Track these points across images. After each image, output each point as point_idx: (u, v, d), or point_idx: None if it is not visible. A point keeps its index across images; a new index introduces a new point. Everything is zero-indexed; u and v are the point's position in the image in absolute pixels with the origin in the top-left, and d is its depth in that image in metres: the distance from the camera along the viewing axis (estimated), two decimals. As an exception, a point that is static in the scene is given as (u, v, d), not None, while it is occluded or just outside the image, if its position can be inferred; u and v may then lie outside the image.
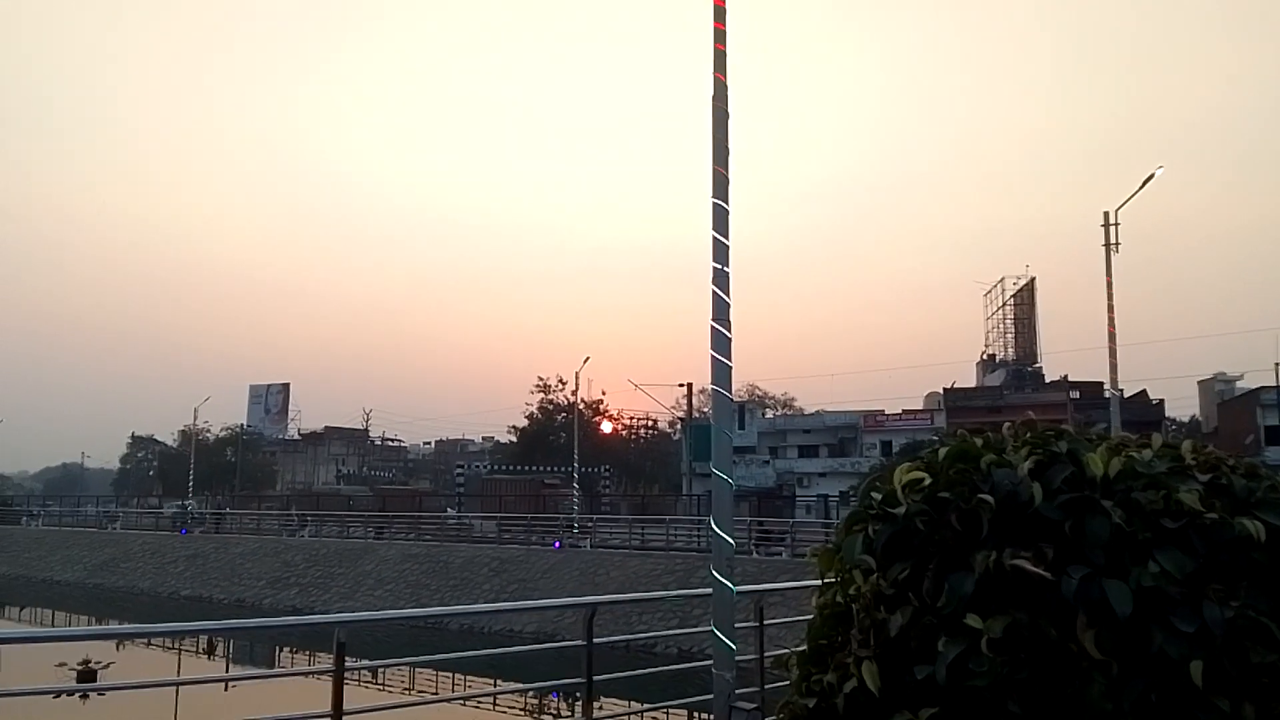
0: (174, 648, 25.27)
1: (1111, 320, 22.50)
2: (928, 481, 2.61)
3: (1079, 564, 2.32)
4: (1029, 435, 2.69)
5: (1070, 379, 61.01)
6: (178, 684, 16.11)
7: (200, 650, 25.75)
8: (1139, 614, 2.25)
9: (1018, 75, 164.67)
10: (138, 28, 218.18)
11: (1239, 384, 56.48)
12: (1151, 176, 22.55)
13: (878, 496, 2.73)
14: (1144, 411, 50.95)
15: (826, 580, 2.85)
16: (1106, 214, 23.27)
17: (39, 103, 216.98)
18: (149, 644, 25.16)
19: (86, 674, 16.28)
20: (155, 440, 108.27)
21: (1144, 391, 56.89)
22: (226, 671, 24.24)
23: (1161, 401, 57.47)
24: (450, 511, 48.72)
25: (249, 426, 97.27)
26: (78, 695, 15.14)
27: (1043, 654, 2.28)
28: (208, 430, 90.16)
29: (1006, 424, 2.81)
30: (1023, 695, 2.27)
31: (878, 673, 2.42)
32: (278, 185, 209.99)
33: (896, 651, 2.43)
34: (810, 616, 2.88)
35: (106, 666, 17.33)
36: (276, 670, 21.20)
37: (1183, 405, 67.08)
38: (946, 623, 2.36)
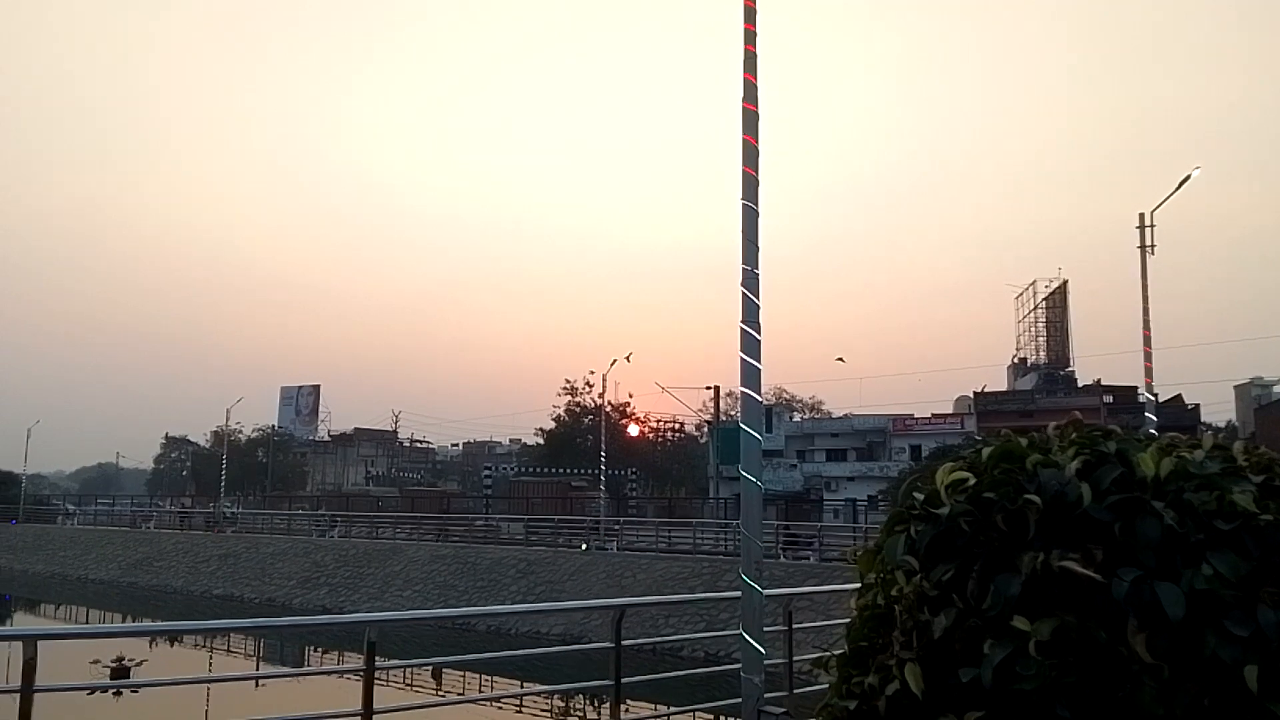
0: (205, 646, 25.55)
1: (1147, 323, 22.15)
2: (972, 482, 2.56)
3: (1129, 566, 2.27)
4: (1075, 435, 2.64)
5: (1103, 383, 60.20)
6: (210, 681, 16.31)
7: (231, 648, 26.02)
8: (1191, 617, 2.20)
9: (1049, 74, 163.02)
10: (177, 33, 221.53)
11: (1277, 389, 55.47)
12: (1188, 178, 22.18)
13: (920, 497, 2.68)
14: (1179, 416, 50.13)
15: (866, 582, 2.80)
16: (1142, 215, 22.92)
17: (75, 106, 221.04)
18: (181, 642, 25.48)
19: (120, 671, 16.50)
20: (188, 441, 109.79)
21: (1179, 396, 56.02)
22: (257, 669, 24.47)
23: (1197, 406, 56.60)
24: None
25: (280, 427, 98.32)
26: (111, 692, 15.34)
27: (1092, 657, 2.23)
28: (240, 431, 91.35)
29: (1052, 424, 2.76)
30: (1072, 699, 2.22)
31: (921, 675, 2.38)
32: (311, 190, 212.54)
33: (940, 654, 2.39)
34: (840, 621, 2.84)
35: (140, 664, 17.55)
36: (308, 669, 21.38)
37: (1218, 410, 66.09)
38: (992, 625, 2.32)
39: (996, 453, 2.63)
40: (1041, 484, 2.47)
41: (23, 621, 37.16)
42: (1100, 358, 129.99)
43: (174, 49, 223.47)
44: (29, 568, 48.93)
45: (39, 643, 4.84)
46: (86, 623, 35.48)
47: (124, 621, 35.94)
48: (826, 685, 2.86)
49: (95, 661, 16.62)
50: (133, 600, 40.46)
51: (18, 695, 4.72)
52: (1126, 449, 2.52)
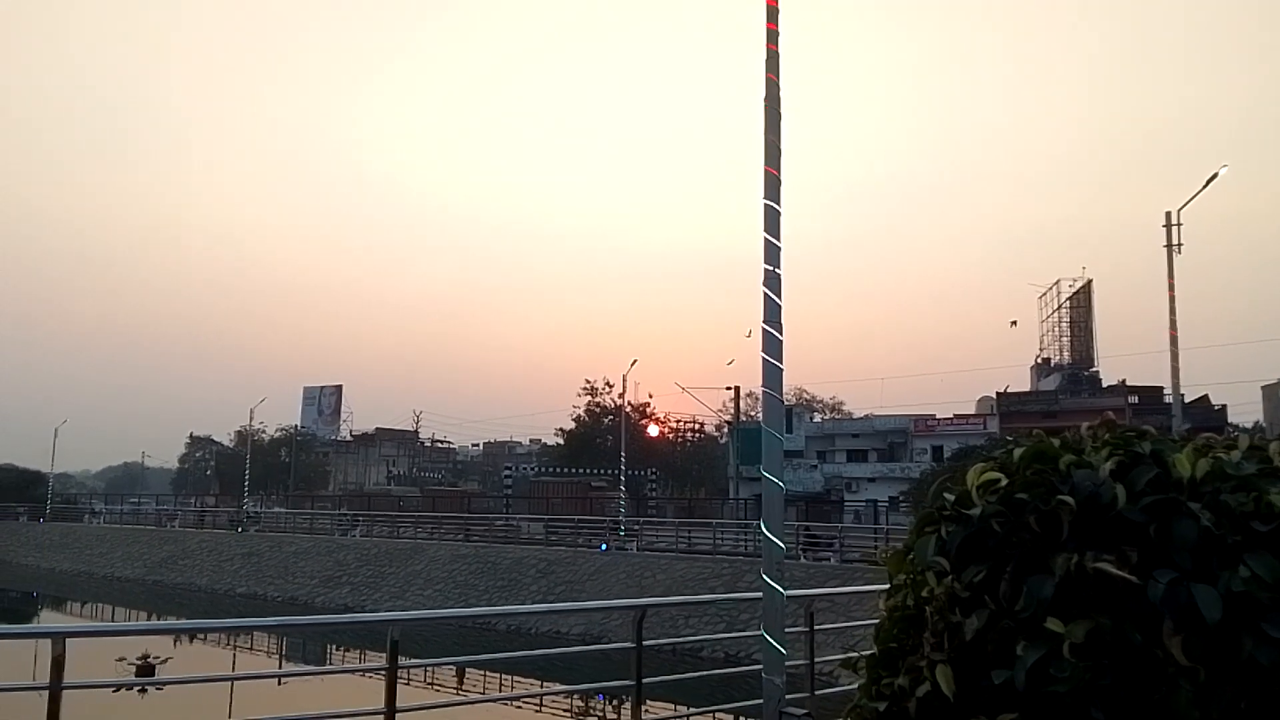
0: (229, 644, 25.78)
1: (1174, 323, 21.96)
2: (1003, 482, 2.54)
3: (1165, 568, 2.24)
4: (1109, 436, 2.61)
5: (1128, 383, 59.60)
6: (233, 679, 16.43)
7: (254, 647, 26.24)
8: (1228, 620, 2.17)
9: (1073, 72, 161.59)
10: (199, 36, 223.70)
11: (1305, 389, 54.72)
12: (1215, 176, 21.95)
13: (950, 498, 2.66)
14: (1206, 417, 49.53)
15: (896, 583, 2.78)
16: (1169, 214, 22.69)
17: (97, 107, 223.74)
18: (205, 640, 25.71)
19: (145, 668, 16.67)
20: (213, 440, 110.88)
21: (1205, 396, 55.36)
22: (280, 668, 24.65)
23: (1224, 407, 55.90)
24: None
25: (303, 427, 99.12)
26: (137, 689, 15.51)
27: (1127, 660, 2.20)
28: (263, 431, 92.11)
29: (1085, 425, 2.73)
30: (1106, 702, 2.19)
31: (952, 676, 2.36)
32: (333, 191, 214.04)
33: (972, 655, 2.37)
34: (861, 622, 2.83)
35: (164, 661, 17.74)
36: (330, 667, 21.51)
37: (1246, 411, 65.06)
38: (1025, 626, 2.30)
39: (1029, 453, 2.61)
40: (1075, 485, 2.44)
41: (51, 619, 37.67)
42: (1125, 358, 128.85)
43: (196, 54, 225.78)
44: (56, 565, 49.57)
45: (67, 640, 4.90)
46: (113, 620, 35.92)
47: (149, 619, 36.35)
48: (849, 686, 2.84)
49: (121, 659, 16.80)
50: (158, 598, 40.91)
51: (47, 691, 4.79)
52: (1162, 450, 2.49)
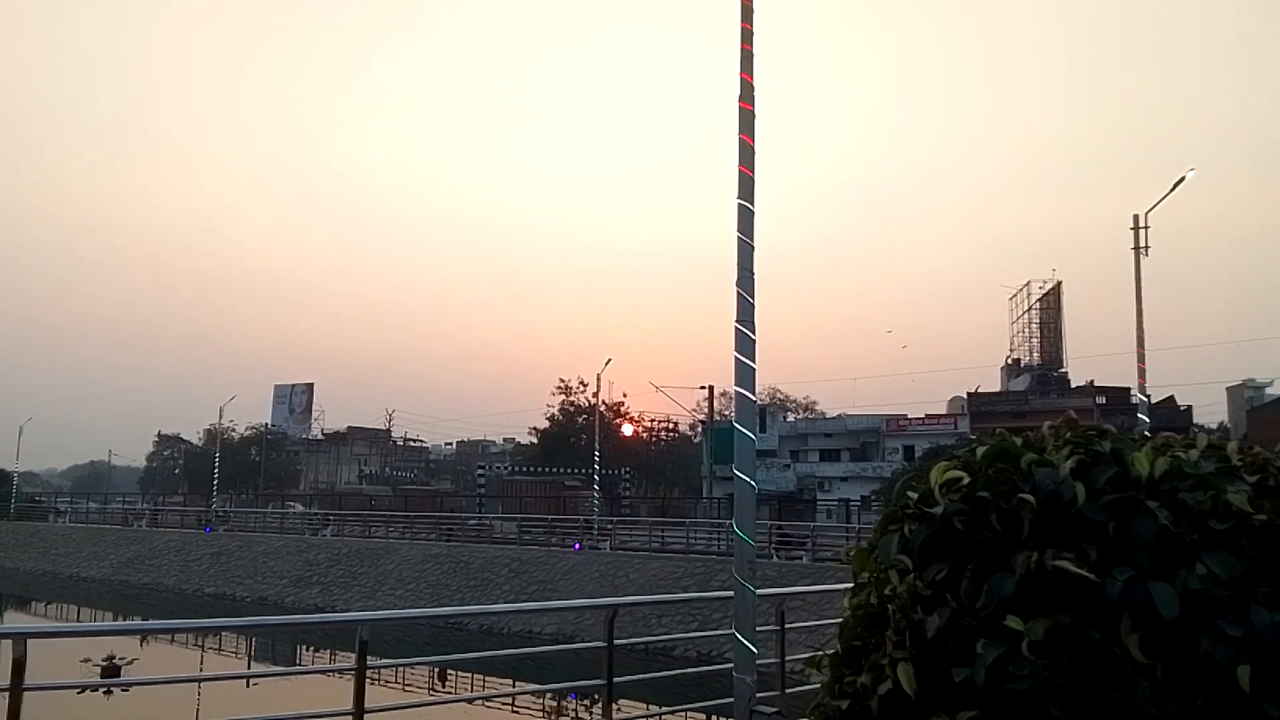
0: (197, 644, 25.48)
1: (1140, 325, 22.23)
2: (966, 481, 2.55)
3: (1123, 566, 2.26)
4: (1070, 435, 2.63)
5: (1096, 384, 60.42)
6: (201, 680, 16.24)
7: (223, 647, 25.95)
8: (1185, 617, 2.19)
9: (1043, 76, 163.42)
10: (174, 29, 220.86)
11: (1269, 390, 55.68)
12: (1183, 179, 22.24)
13: (914, 496, 2.67)
14: (1172, 417, 50.30)
15: (860, 581, 2.79)
16: (1136, 217, 22.97)
17: (68, 100, 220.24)
18: (173, 640, 25.40)
19: (111, 670, 16.44)
20: (181, 439, 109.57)
21: (1171, 397, 56.26)
22: (249, 668, 24.40)
23: (1190, 408, 56.79)
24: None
25: (273, 426, 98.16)
26: (102, 690, 15.28)
27: (1086, 657, 2.22)
28: (233, 429, 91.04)
29: (1047, 423, 2.75)
30: (1065, 699, 2.21)
31: (914, 674, 2.37)
32: (304, 185, 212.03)
33: (933, 653, 2.38)
34: (832, 621, 2.83)
35: (130, 662, 17.50)
36: (299, 667, 21.32)
37: (1211, 412, 66.14)
38: (986, 624, 2.31)
39: (991, 452, 2.63)
40: (1036, 483, 2.46)
41: (13, 619, 37.01)
42: (1094, 359, 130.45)
43: (169, 43, 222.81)
44: (20, 565, 48.75)
45: (29, 641, 4.81)
46: (78, 621, 35.38)
47: (115, 620, 35.85)
48: (818, 685, 2.85)
49: (86, 660, 16.56)
50: (124, 598, 40.35)
51: (7, 694, 4.70)
52: (1121, 448, 2.51)
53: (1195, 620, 2.20)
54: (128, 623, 32.22)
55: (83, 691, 13.74)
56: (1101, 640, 2.22)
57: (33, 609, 39.75)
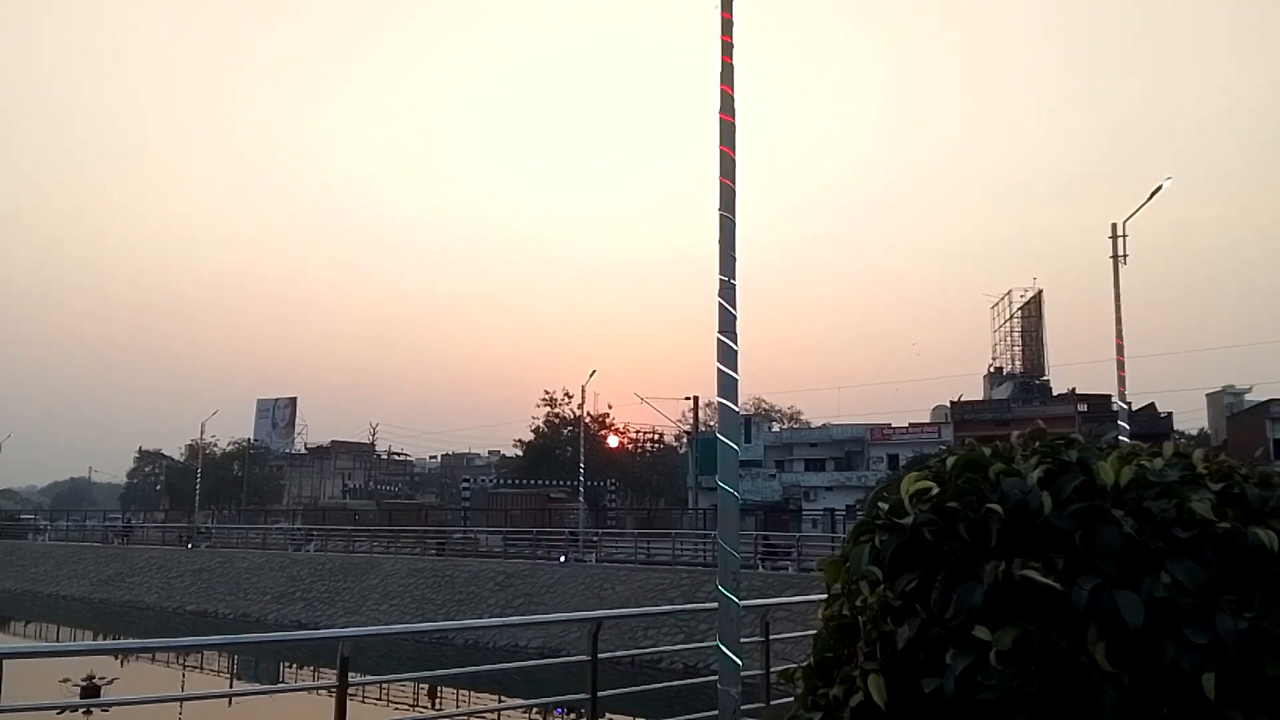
0: (179, 663, 25.22)
1: (1120, 333, 22.39)
2: (935, 491, 2.57)
3: (1090, 574, 2.27)
4: (1038, 444, 2.66)
5: (1077, 391, 60.84)
6: (182, 699, 16.09)
7: (204, 666, 25.69)
8: (1151, 625, 2.20)
9: (1025, 84, 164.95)
10: (153, 41, 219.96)
11: (1248, 396, 56.19)
12: (1160, 188, 22.46)
13: (884, 506, 2.69)
14: (1152, 424, 50.72)
15: (833, 592, 2.81)
16: (1114, 225, 23.16)
17: (49, 112, 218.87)
18: (154, 659, 25.13)
19: (90, 689, 16.22)
20: (162, 455, 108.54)
21: (1152, 404, 56.65)
22: (231, 686, 24.16)
23: (1170, 414, 57.22)
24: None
25: (256, 440, 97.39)
26: (81, 711, 15.08)
27: (1053, 666, 2.23)
28: (215, 444, 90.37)
29: (1015, 433, 2.77)
30: (1032, 708, 2.22)
31: (884, 686, 2.38)
32: (286, 199, 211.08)
33: (904, 664, 2.39)
34: (816, 631, 2.84)
35: (110, 682, 17.26)
36: (281, 685, 21.13)
37: (1191, 418, 66.80)
38: (955, 634, 2.32)
39: (960, 462, 2.64)
40: (1004, 493, 2.47)
41: (-9, 640, 36.52)
42: (1076, 367, 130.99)
43: (150, 52, 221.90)
44: (-2, 584, 48.17)
45: (6, 661, 4.75)
46: (57, 640, 34.93)
47: (95, 639, 35.40)
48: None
49: (65, 680, 16.34)
50: (105, 617, 39.90)
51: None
52: (1087, 457, 2.53)
53: (1161, 628, 2.21)
54: (107, 642, 31.77)
55: (61, 712, 13.54)
56: (1068, 649, 2.23)
57: (11, 629, 39.20)
